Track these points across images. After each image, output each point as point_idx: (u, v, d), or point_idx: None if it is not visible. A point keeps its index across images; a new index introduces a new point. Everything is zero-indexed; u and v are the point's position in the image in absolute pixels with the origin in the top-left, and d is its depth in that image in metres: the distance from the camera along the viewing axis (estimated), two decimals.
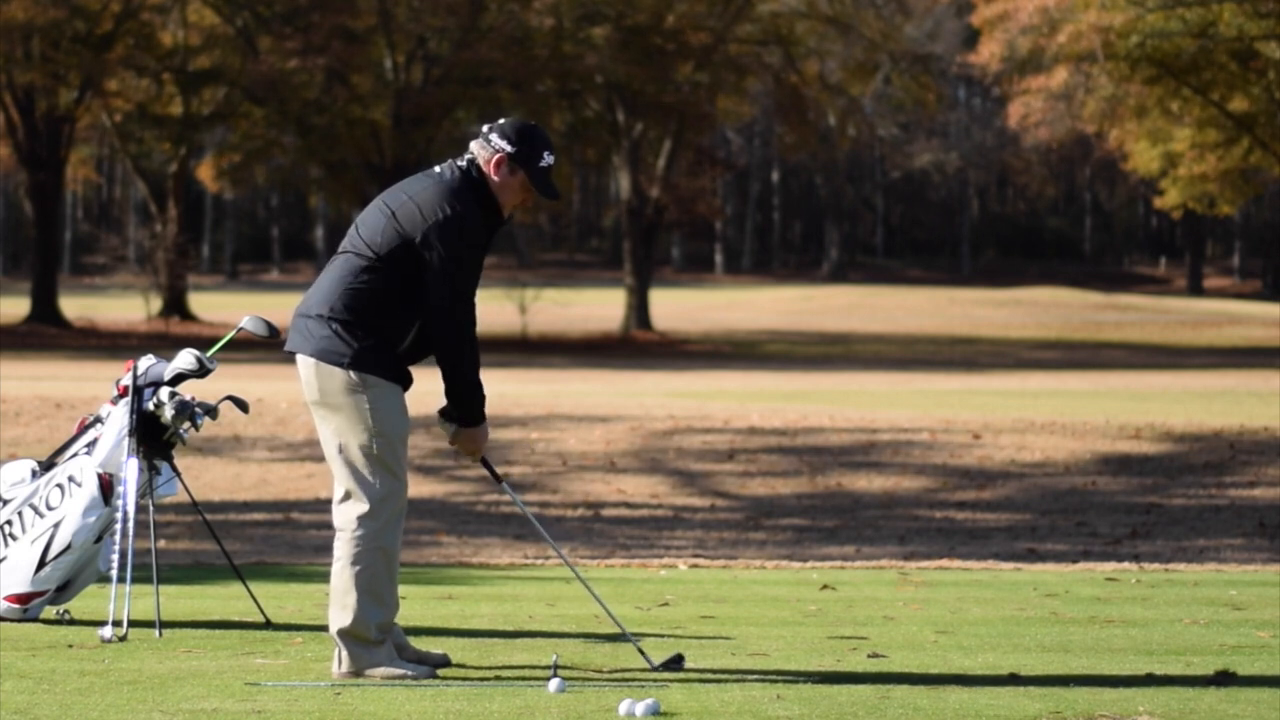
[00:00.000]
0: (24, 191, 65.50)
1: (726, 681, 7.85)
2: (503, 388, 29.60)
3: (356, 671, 7.89)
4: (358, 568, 7.88)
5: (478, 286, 7.99)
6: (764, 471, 22.34)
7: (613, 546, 17.69)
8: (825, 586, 11.63)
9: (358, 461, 7.90)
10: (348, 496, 7.94)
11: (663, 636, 9.18)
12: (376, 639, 7.90)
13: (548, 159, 7.99)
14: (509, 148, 7.93)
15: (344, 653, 7.92)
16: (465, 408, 8.00)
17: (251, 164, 69.09)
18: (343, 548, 7.93)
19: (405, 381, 8.03)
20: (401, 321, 7.90)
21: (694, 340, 63.30)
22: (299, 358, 8.00)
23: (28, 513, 9.55)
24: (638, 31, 61.48)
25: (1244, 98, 56.99)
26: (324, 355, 7.92)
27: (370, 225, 7.95)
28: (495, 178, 7.95)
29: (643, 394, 30.45)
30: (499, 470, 21.82)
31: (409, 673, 7.88)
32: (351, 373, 7.88)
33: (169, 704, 7.22)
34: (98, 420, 9.57)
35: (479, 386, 7.98)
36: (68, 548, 9.45)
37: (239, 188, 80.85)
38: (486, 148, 7.97)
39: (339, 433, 7.93)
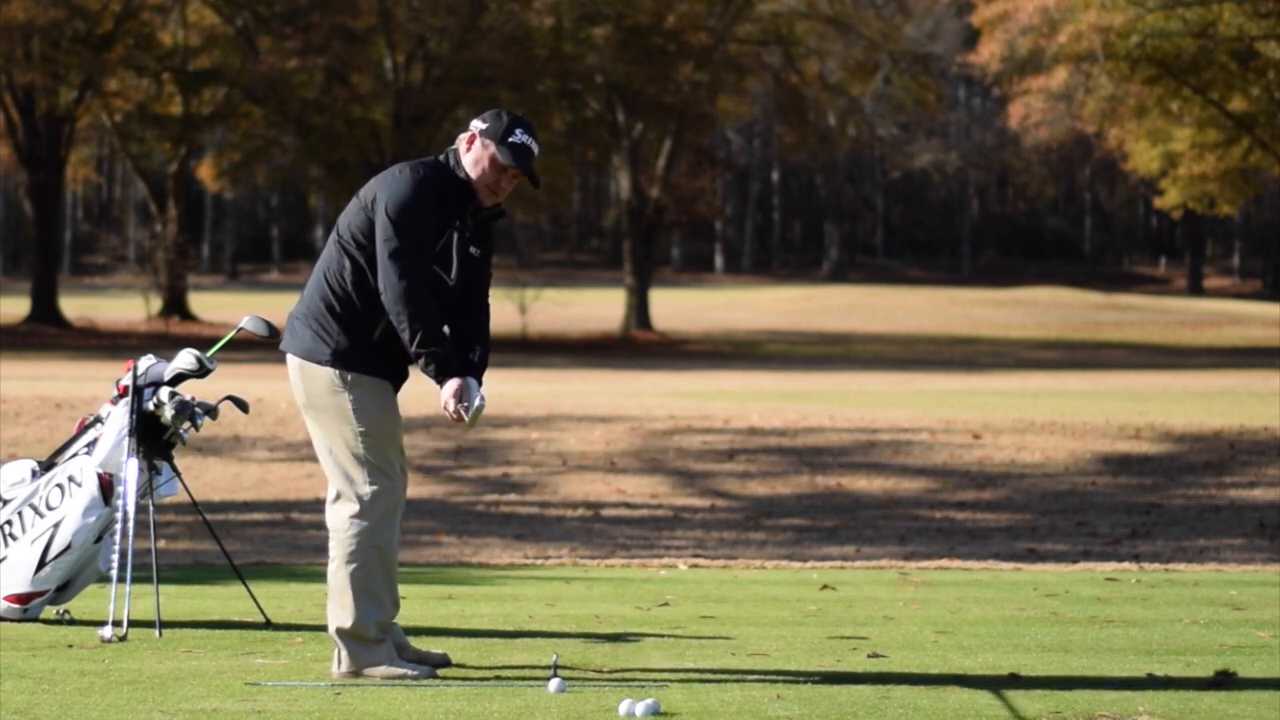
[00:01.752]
0: (24, 191, 65.50)
1: (726, 681, 7.85)
2: (503, 388, 29.60)
3: (356, 671, 7.89)
4: (352, 567, 7.89)
5: (455, 271, 7.93)
6: (764, 471, 22.34)
7: (613, 546, 17.68)
8: (825, 586, 11.63)
9: (345, 462, 7.91)
10: (339, 497, 7.95)
11: (663, 636, 9.18)
12: (376, 638, 7.91)
13: (520, 136, 7.95)
14: (481, 125, 7.98)
15: (343, 652, 7.92)
16: (421, 362, 7.91)
17: (251, 164, 69.11)
18: (337, 548, 7.94)
19: (394, 376, 8.02)
20: (377, 309, 7.90)
21: (694, 340, 63.29)
22: (288, 358, 8.05)
23: (28, 513, 9.55)
24: (638, 31, 61.49)
25: (1244, 98, 56.99)
26: (308, 354, 7.97)
27: (345, 215, 8.03)
28: (468, 154, 7.96)
29: (643, 394, 30.45)
30: (505, 470, 21.82)
31: (409, 672, 7.88)
32: (334, 371, 7.90)
33: (169, 704, 7.22)
34: (98, 420, 9.56)
35: (426, 343, 7.79)
36: (68, 548, 9.45)
37: (239, 188, 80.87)
38: (464, 134, 8.04)
39: (327, 434, 7.95)
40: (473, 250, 8.02)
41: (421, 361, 7.86)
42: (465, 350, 8.04)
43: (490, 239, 8.15)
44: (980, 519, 20.04)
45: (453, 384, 7.87)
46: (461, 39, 60.61)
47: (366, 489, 7.89)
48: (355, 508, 7.89)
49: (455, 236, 7.93)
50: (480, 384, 8.03)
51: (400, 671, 7.87)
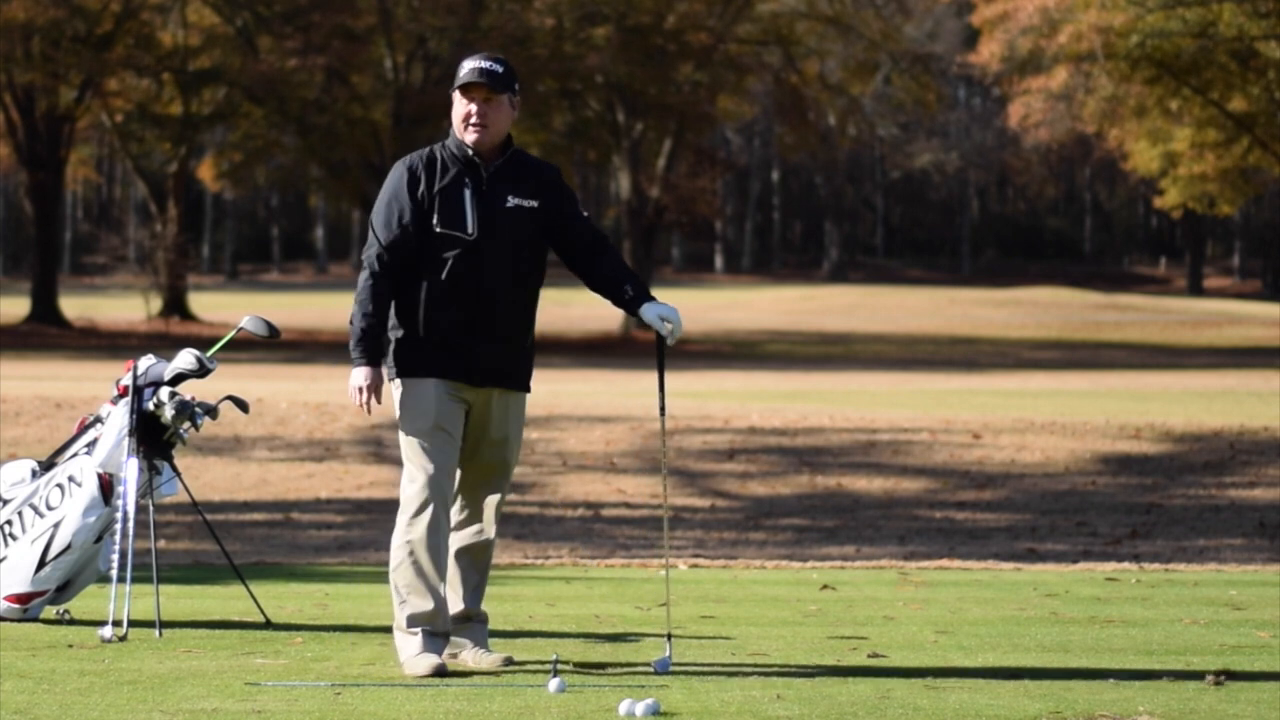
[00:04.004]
0: (24, 191, 65.48)
1: (726, 681, 7.85)
2: None
3: (403, 667, 8.03)
4: (392, 564, 8.12)
5: (472, 224, 8.05)
6: (764, 471, 22.34)
7: (613, 546, 17.69)
8: (825, 586, 11.63)
9: (402, 464, 8.16)
10: None
11: (663, 636, 9.17)
12: (409, 631, 8.06)
13: (467, 64, 8.05)
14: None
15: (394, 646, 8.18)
16: (351, 343, 8.11)
17: (251, 164, 69.10)
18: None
19: (446, 373, 8.06)
20: (414, 307, 8.08)
21: (694, 340, 63.29)
22: None
23: (28, 513, 9.55)
24: (638, 32, 61.49)
25: (1244, 98, 56.98)
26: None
27: None
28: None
29: (643, 394, 30.44)
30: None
31: (434, 667, 7.91)
32: (392, 378, 8.14)
33: (169, 704, 7.22)
34: (98, 420, 9.56)
35: (353, 323, 8.02)
36: (68, 548, 9.45)
37: (239, 188, 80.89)
38: None
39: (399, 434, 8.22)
40: (511, 201, 8.09)
41: (351, 343, 8.05)
42: (618, 290, 8.18)
43: (542, 188, 8.15)
44: (980, 519, 20.04)
45: (361, 371, 8.01)
46: (461, 39, 60.57)
47: (406, 491, 8.09)
48: (400, 506, 8.10)
49: (467, 192, 8.03)
50: (653, 300, 8.12)
51: (424, 670, 7.89)
